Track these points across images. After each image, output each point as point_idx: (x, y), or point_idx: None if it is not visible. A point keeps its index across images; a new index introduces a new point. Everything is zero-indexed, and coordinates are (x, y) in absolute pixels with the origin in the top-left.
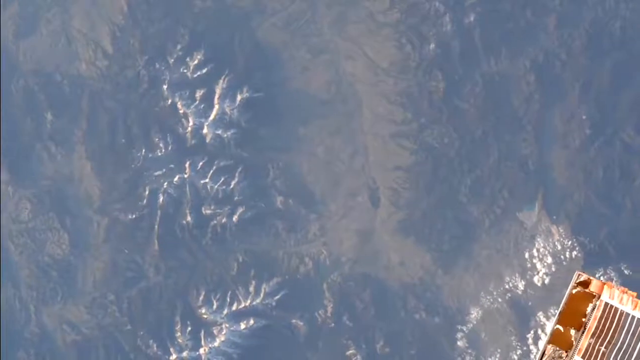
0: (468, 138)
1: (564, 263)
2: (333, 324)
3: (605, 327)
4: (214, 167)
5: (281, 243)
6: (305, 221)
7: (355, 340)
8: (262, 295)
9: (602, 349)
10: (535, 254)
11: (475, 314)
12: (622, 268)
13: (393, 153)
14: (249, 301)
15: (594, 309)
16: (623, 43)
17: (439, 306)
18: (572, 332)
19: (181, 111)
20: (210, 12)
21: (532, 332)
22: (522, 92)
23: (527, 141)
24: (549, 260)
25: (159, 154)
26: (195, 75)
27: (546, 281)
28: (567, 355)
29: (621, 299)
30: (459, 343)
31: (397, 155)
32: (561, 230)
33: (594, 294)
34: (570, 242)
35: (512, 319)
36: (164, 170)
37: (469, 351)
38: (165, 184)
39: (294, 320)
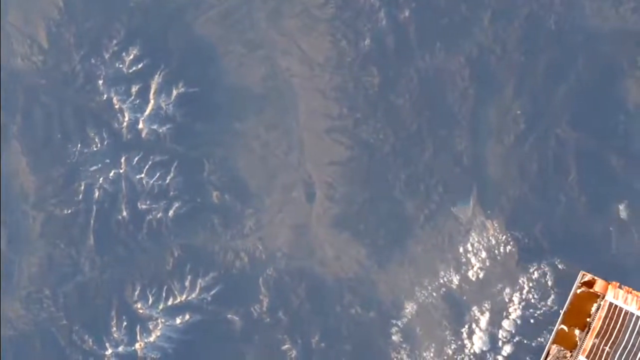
0: (403, 133)
1: (498, 258)
2: (268, 319)
3: (609, 327)
4: (150, 162)
5: (217, 238)
6: (240, 216)
7: (291, 335)
8: (197, 290)
9: (607, 348)
10: (470, 248)
11: (410, 308)
12: (556, 263)
13: (328, 148)
14: (184, 296)
15: (598, 308)
16: (558, 38)
17: (374, 301)
18: (577, 332)
19: (117, 106)
20: (146, 6)
21: (466, 326)
22: (456, 88)
23: (461, 136)
24: (484, 254)
25: (95, 149)
26: (130, 71)
27: (480, 276)
28: (571, 355)
29: (625, 299)
30: (394, 338)
31: (333, 150)
32: (496, 225)
33: (599, 293)
34: (504, 237)
35: (447, 313)
36: (99, 165)
37: (404, 346)
38: (101, 179)
39: (229, 315)
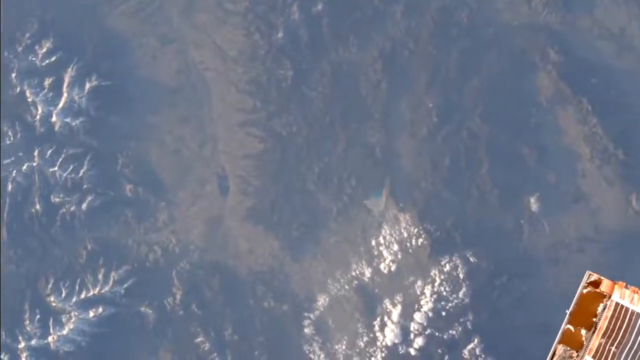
0: (316, 126)
1: (410, 250)
2: (182, 312)
3: (616, 327)
4: (63, 155)
5: (130, 231)
6: (154, 209)
7: (204, 328)
8: (111, 283)
9: (613, 349)
10: (382, 241)
11: (322, 301)
12: (468, 255)
13: (242, 141)
14: (97, 289)
15: (604, 309)
16: (469, 32)
17: (287, 293)
18: (583, 332)
19: (30, 99)
20: (60, 0)
21: (378, 319)
22: (369, 81)
23: (374, 129)
24: (395, 247)
25: (8, 142)
26: (44, 64)
27: (392, 268)
28: (577, 355)
29: (632, 299)
30: (306, 330)
31: (246, 144)
32: (408, 218)
33: (605, 294)
34: (416, 230)
35: (359, 306)
36: (12, 158)
37: (316, 338)
38: (14, 172)
39: (142, 308)
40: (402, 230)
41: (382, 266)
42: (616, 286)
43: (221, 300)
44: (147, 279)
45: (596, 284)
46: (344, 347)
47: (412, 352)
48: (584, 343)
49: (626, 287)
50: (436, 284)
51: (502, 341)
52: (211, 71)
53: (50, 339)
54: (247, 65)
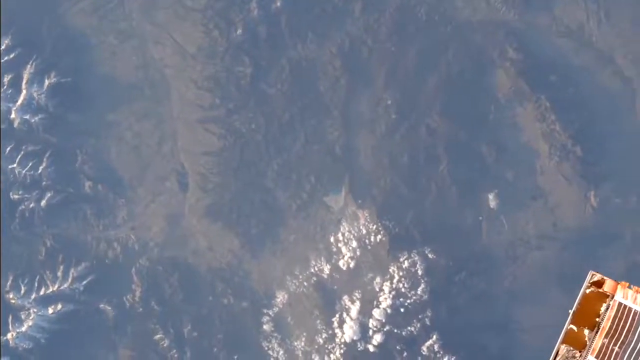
0: (275, 123)
1: (369, 247)
2: (141, 309)
3: (619, 327)
4: (22, 152)
5: (89, 228)
6: (113, 206)
7: (164, 325)
8: (70, 280)
9: (616, 349)
10: (341, 238)
11: (281, 298)
12: (427, 252)
13: (201, 138)
14: (57, 286)
15: (607, 308)
16: (428, 28)
17: (246, 290)
18: (586, 332)
19: None
20: None
21: (337, 315)
22: (328, 78)
23: (333, 126)
24: (354, 244)
25: None
26: (3, 60)
27: (351, 265)
28: (580, 355)
29: (635, 298)
30: (265, 327)
31: (205, 140)
32: (367, 215)
33: (608, 293)
34: (375, 226)
35: (318, 302)
36: None
37: (275, 335)
38: None
39: (102, 305)
40: (361, 227)
41: (341, 263)
42: (619, 286)
43: (180, 297)
44: (107, 276)
45: (599, 283)
46: (302, 343)
47: (371, 348)
48: (587, 343)
49: (629, 287)
50: (395, 281)
51: (461, 338)
52: (170, 68)
53: (9, 335)
54: (206, 62)
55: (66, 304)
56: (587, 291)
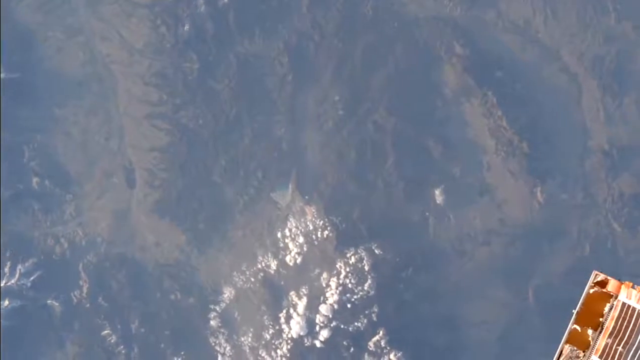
0: (222, 119)
1: (316, 243)
2: (89, 305)
3: (622, 327)
4: None
5: (37, 223)
6: (61, 202)
7: (111, 321)
8: (17, 276)
9: (620, 349)
10: (288, 233)
11: (228, 293)
12: (374, 248)
13: (148, 134)
14: (4, 282)
15: (611, 308)
16: (375, 24)
17: (193, 286)
18: (590, 332)
19: None
20: None
21: (284, 311)
22: (275, 74)
23: (280, 122)
24: (301, 240)
25: None
26: None
27: (298, 261)
28: (584, 355)
29: (639, 299)
30: (212, 323)
31: (153, 136)
32: (314, 210)
33: (611, 293)
34: (322, 222)
35: (265, 298)
36: None
37: (222, 330)
38: None
39: (49, 301)
40: (308, 222)
41: (288, 258)
42: (623, 286)
43: (128, 293)
44: (54, 272)
45: (603, 283)
46: (249, 339)
47: (318, 344)
48: (591, 343)
49: (633, 287)
50: (342, 276)
51: (408, 333)
52: (117, 64)
53: None
54: (154, 58)
55: (13, 300)
56: (591, 291)
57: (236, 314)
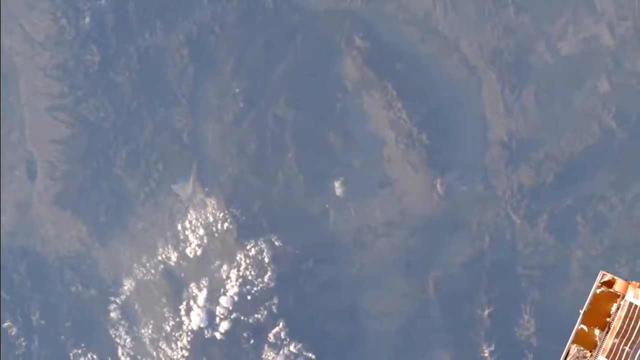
0: (123, 111)
1: (216, 235)
2: None
3: (629, 327)
4: None
5: None
6: None
7: (12, 313)
8: None
9: (627, 349)
10: (188, 225)
11: (129, 285)
12: (274, 240)
13: (50, 126)
14: None
15: (618, 308)
16: (275, 17)
17: (94, 278)
18: (597, 331)
19: None
20: None
21: (184, 303)
22: (176, 66)
23: (181, 114)
24: (202, 232)
25: None
26: None
27: (198, 252)
28: (591, 355)
29: None
30: (112, 315)
31: (54, 128)
32: (214, 202)
33: (618, 293)
34: (222, 214)
35: (166, 290)
36: None
37: (122, 322)
38: None
39: None
40: (209, 214)
41: (188, 250)
42: (630, 286)
43: (29, 285)
44: None
45: (610, 283)
46: (150, 331)
47: (218, 336)
48: (598, 343)
49: None
50: (242, 268)
51: (308, 325)
52: (19, 56)
53: None
54: (55, 51)
55: None
56: (598, 291)
57: (136, 305)
